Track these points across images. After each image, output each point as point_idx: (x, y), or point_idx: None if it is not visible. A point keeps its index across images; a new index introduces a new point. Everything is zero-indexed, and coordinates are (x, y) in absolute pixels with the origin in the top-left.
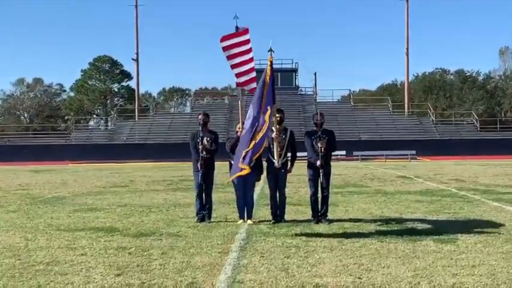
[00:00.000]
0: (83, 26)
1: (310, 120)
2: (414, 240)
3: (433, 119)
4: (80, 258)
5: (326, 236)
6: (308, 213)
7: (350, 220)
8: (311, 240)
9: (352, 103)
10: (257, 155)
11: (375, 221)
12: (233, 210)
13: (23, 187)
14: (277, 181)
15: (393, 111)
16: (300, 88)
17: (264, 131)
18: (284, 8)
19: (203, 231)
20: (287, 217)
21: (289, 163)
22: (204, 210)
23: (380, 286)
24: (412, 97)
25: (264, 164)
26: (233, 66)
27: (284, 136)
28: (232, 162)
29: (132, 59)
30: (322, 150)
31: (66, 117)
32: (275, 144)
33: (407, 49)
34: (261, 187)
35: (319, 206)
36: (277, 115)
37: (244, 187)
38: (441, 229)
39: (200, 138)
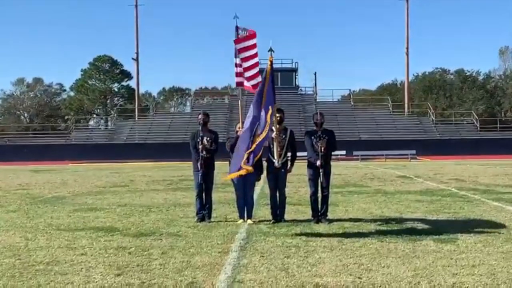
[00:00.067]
0: (83, 26)
1: (310, 120)
2: (414, 239)
3: (433, 119)
4: (80, 257)
5: (326, 236)
6: (308, 213)
7: (350, 220)
8: (311, 240)
9: (352, 103)
10: (258, 155)
11: (375, 221)
12: (233, 210)
13: (23, 187)
14: (277, 181)
15: (393, 111)
16: (300, 88)
17: (266, 131)
18: (284, 8)
19: (203, 231)
20: (287, 216)
21: (289, 163)
22: (204, 210)
23: (380, 286)
24: (412, 97)
25: (264, 164)
26: (245, 69)
27: (284, 136)
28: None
29: (132, 58)
30: (322, 150)
31: (66, 117)
32: (275, 144)
33: (407, 48)
34: (261, 187)
35: (319, 206)
36: (277, 114)
37: (244, 187)
38: (441, 228)
39: (200, 138)
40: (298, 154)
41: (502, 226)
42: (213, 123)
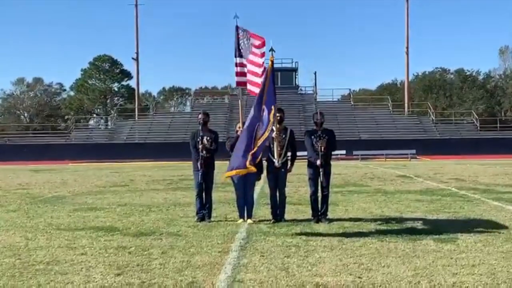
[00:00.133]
0: (83, 26)
1: (310, 119)
2: (414, 239)
3: (433, 118)
4: (80, 257)
5: (326, 235)
6: (308, 213)
7: (350, 219)
8: (311, 240)
9: (352, 103)
10: (260, 155)
11: (375, 220)
12: (233, 210)
13: (23, 186)
14: (277, 180)
15: (393, 111)
16: (300, 88)
17: (269, 131)
18: (284, 8)
19: (203, 231)
20: (287, 216)
21: (289, 163)
22: (204, 210)
23: (380, 286)
24: (412, 97)
25: (264, 163)
26: (251, 73)
27: (284, 136)
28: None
29: (132, 58)
30: (322, 150)
31: (66, 117)
32: (275, 143)
33: (407, 48)
34: (261, 187)
35: (319, 206)
36: (277, 114)
37: (244, 187)
38: (441, 228)
39: (200, 138)
40: (298, 153)
41: (502, 225)
42: (213, 123)
